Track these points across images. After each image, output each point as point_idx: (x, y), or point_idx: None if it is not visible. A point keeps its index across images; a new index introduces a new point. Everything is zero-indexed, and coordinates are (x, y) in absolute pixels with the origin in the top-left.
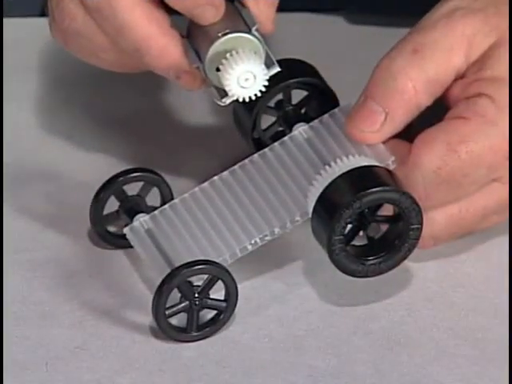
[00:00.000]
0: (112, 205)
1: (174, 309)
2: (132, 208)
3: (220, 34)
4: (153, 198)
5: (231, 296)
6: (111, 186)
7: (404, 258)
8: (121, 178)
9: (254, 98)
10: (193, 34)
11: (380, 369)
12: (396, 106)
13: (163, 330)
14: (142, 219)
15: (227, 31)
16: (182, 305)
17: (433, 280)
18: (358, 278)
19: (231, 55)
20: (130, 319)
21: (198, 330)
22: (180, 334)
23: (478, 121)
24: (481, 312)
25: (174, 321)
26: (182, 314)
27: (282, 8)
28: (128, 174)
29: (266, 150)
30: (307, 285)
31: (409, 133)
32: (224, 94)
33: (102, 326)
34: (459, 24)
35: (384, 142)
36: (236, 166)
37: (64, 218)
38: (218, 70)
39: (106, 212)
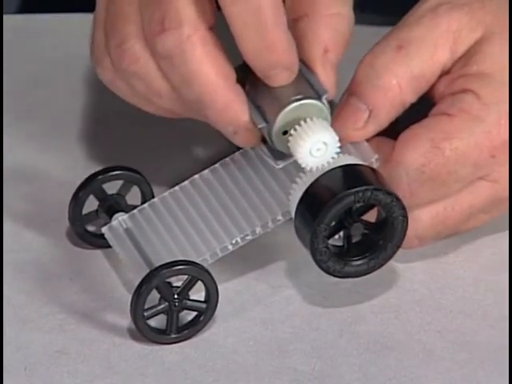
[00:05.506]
0: (92, 204)
1: (153, 310)
2: (111, 207)
3: (292, 99)
4: (135, 197)
5: (211, 297)
6: (90, 184)
7: (389, 258)
8: (100, 177)
9: (321, 168)
10: (256, 92)
11: (367, 372)
12: (380, 104)
13: (142, 331)
14: (120, 218)
15: (299, 97)
16: (162, 306)
17: (420, 282)
18: (343, 279)
19: (303, 123)
20: (111, 322)
21: (177, 331)
22: (159, 336)
23: (463, 117)
24: (469, 314)
25: (152, 322)
26: (161, 315)
27: None
28: (107, 172)
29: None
30: (291, 287)
31: (394, 130)
32: (281, 156)
33: (82, 330)
34: (444, 19)
35: (368, 140)
36: (217, 165)
37: (43, 218)
38: (284, 133)
39: (85, 211)
